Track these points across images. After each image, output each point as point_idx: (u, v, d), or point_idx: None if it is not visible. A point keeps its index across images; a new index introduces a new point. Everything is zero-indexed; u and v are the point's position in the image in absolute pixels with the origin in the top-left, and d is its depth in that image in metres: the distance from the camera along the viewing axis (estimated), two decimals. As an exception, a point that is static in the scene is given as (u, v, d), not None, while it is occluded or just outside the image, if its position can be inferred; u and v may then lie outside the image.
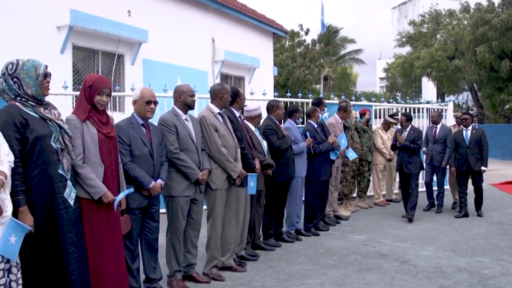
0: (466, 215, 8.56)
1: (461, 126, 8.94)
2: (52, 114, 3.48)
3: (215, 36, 15.93)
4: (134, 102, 4.46)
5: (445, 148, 9.21)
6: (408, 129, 8.49)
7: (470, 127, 8.65)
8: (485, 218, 8.50)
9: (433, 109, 11.41)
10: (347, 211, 8.90)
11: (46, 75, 3.46)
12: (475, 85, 28.91)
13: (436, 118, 9.48)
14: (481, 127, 9.60)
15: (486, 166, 8.57)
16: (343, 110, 8.21)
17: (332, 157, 7.53)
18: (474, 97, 31.09)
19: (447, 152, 9.14)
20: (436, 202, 9.35)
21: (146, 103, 4.42)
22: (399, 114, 9.72)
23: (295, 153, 6.68)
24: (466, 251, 6.33)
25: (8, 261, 3.08)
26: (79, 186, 3.69)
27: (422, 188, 9.80)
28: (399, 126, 9.17)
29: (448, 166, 9.33)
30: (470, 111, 34.06)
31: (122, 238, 4.02)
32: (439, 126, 9.44)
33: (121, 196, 3.93)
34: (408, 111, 12.22)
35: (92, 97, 3.82)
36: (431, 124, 9.77)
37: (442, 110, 12.30)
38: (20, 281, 3.15)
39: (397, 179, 9.48)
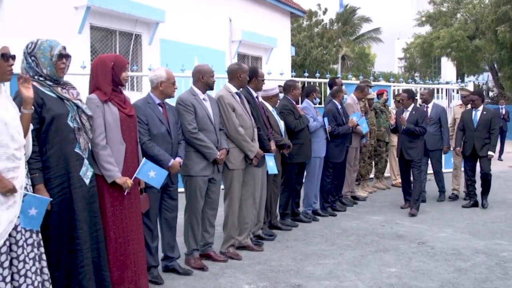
0: (475, 204, 7.82)
1: (467, 105, 8.43)
2: (70, 94, 3.49)
3: (232, 16, 15.83)
4: (160, 83, 4.47)
5: (439, 129, 8.31)
6: (410, 108, 7.51)
7: (480, 108, 7.77)
8: (504, 200, 8.42)
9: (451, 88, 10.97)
10: (365, 191, 8.89)
11: (62, 56, 3.43)
12: (495, 65, 28.43)
13: (426, 96, 8.44)
14: (492, 109, 8.44)
15: (494, 152, 7.80)
16: (360, 91, 8.13)
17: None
18: (495, 78, 30.61)
19: (445, 135, 8.34)
20: (438, 189, 8.54)
21: (172, 84, 4.52)
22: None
23: (312, 130, 6.67)
24: (484, 233, 6.28)
25: (38, 234, 3.13)
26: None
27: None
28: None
29: (452, 149, 8.52)
30: (490, 92, 33.66)
31: (141, 217, 4.08)
32: (430, 105, 8.42)
33: (141, 172, 3.96)
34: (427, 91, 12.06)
35: (118, 75, 3.86)
36: (421, 104, 8.69)
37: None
38: (44, 257, 3.21)
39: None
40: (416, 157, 7.41)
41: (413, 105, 7.56)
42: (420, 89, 11.73)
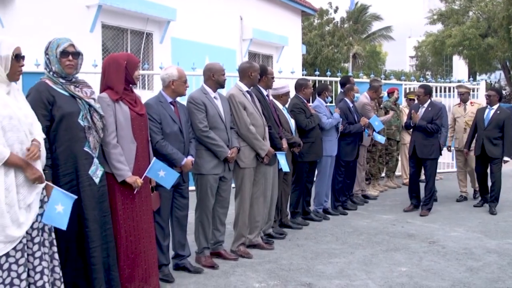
0: (486, 202, 7.65)
1: (465, 103, 8.27)
2: (83, 93, 3.50)
3: (243, 14, 15.84)
4: (172, 82, 4.48)
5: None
6: (426, 105, 7.25)
7: (495, 106, 7.47)
8: (517, 199, 8.35)
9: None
10: (375, 190, 8.86)
11: (68, 53, 3.43)
12: (507, 63, 28.18)
13: None
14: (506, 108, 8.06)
15: (510, 156, 7.40)
16: (374, 90, 8.11)
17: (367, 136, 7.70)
18: (507, 76, 30.36)
19: (443, 133, 7.94)
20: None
21: (184, 82, 4.53)
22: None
23: (328, 127, 6.68)
24: (496, 232, 6.24)
25: (50, 233, 3.17)
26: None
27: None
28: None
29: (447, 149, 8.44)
30: (502, 91, 33.37)
31: (152, 215, 4.09)
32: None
33: (152, 172, 3.97)
34: (439, 90, 11.98)
35: (131, 74, 3.89)
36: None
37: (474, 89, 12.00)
38: (56, 256, 3.23)
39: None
40: (430, 156, 7.19)
41: (429, 101, 7.30)
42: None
